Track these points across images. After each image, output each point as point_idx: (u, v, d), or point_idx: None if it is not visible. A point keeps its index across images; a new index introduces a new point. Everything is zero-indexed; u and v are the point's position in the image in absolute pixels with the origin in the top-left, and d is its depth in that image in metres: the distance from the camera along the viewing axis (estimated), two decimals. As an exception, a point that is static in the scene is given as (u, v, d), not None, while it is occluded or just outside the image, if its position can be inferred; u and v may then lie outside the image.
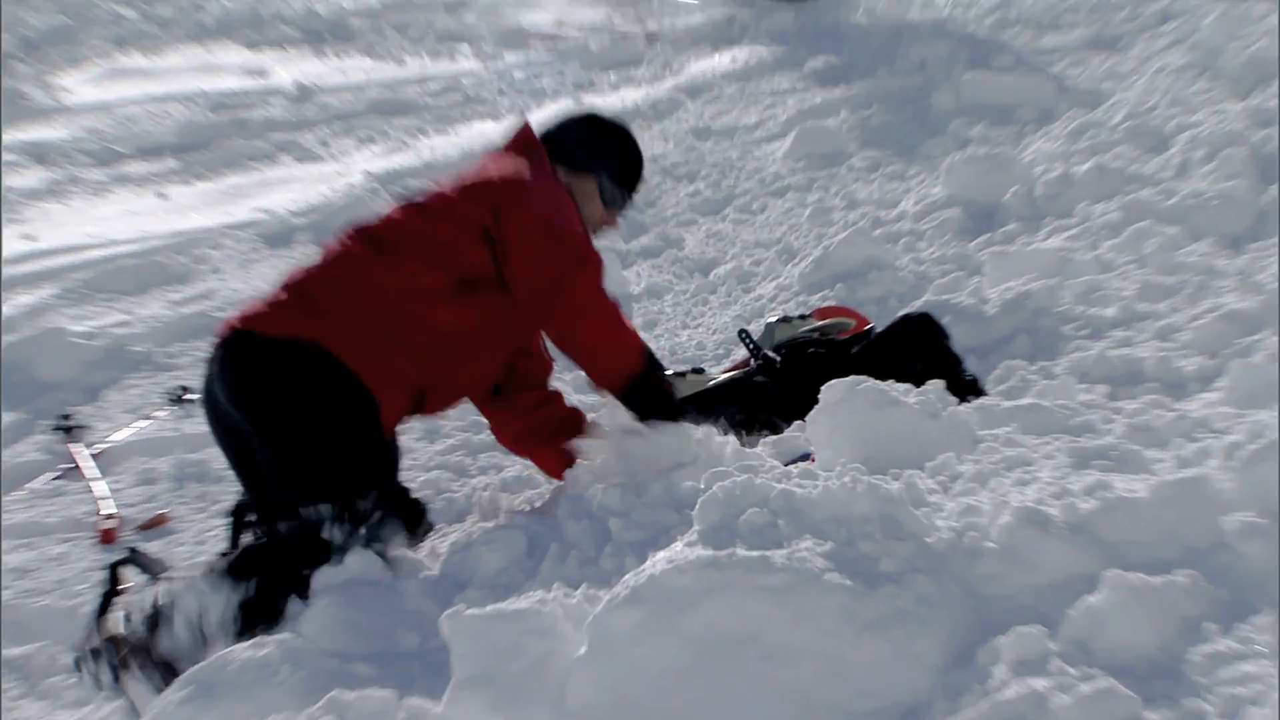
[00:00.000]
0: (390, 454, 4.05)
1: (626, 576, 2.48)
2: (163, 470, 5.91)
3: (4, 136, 13.96)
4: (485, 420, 4.70)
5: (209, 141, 14.29)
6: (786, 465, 3.50)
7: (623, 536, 3.32)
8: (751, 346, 5.15)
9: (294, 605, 3.41)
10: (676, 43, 16.71)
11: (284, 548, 3.66)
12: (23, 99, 16.15)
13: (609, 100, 14.08)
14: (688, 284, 8.04)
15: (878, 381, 3.50)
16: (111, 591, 3.76)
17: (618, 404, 4.24)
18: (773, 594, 2.35)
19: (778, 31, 15.70)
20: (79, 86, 17.33)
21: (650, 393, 4.25)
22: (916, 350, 4.66)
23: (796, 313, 5.78)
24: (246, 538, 3.98)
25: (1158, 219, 5.87)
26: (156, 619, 3.44)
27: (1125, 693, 2.06)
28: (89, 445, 6.26)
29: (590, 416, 4.58)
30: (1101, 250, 5.83)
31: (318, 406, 3.76)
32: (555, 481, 4.50)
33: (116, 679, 3.43)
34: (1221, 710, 2.06)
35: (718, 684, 2.30)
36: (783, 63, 14.25)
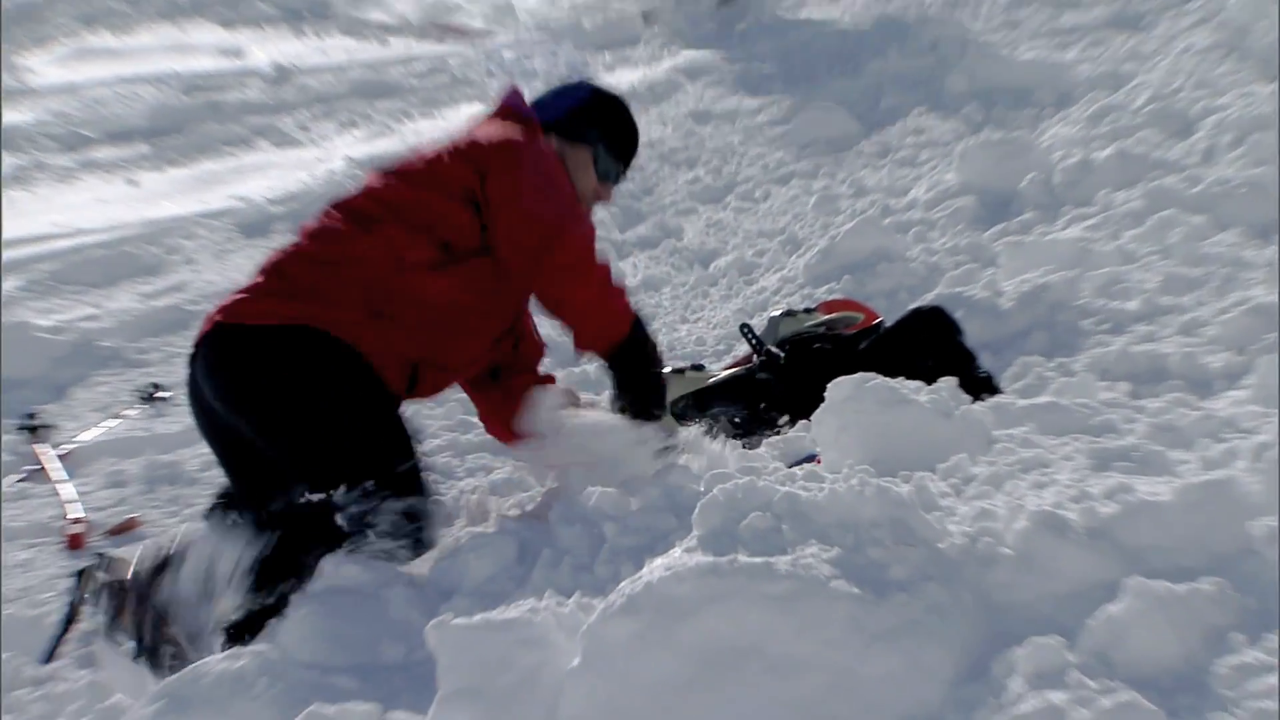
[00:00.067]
0: (407, 426, 4.05)
1: (622, 584, 2.47)
2: (133, 472, 5.90)
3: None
4: (474, 420, 4.71)
5: (182, 125, 14.30)
6: (791, 467, 3.50)
7: (618, 542, 3.31)
8: (754, 342, 5.15)
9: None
10: (675, 23, 16.69)
11: (308, 516, 3.67)
12: (-15, 80, 16.16)
13: (604, 82, 14.06)
14: (687, 276, 8.05)
15: (887, 379, 3.50)
16: (79, 600, 3.76)
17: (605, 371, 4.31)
18: (776, 603, 2.35)
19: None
20: (45, 67, 17.36)
21: (637, 358, 4.29)
22: (928, 346, 4.66)
23: (801, 306, 5.78)
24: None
25: (1182, 207, 5.87)
26: (165, 564, 3.47)
27: (1148, 707, 2.06)
28: (55, 446, 6.24)
29: (585, 398, 4.60)
30: (1123, 240, 5.83)
31: (320, 388, 3.78)
32: (547, 483, 4.50)
33: (114, 621, 3.47)
34: (1249, 725, 2.06)
35: (718, 698, 2.30)
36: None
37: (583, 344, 4.26)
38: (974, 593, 2.49)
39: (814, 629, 2.32)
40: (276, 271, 3.93)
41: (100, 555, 4.00)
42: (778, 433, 4.48)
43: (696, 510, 2.69)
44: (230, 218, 10.76)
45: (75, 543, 5.10)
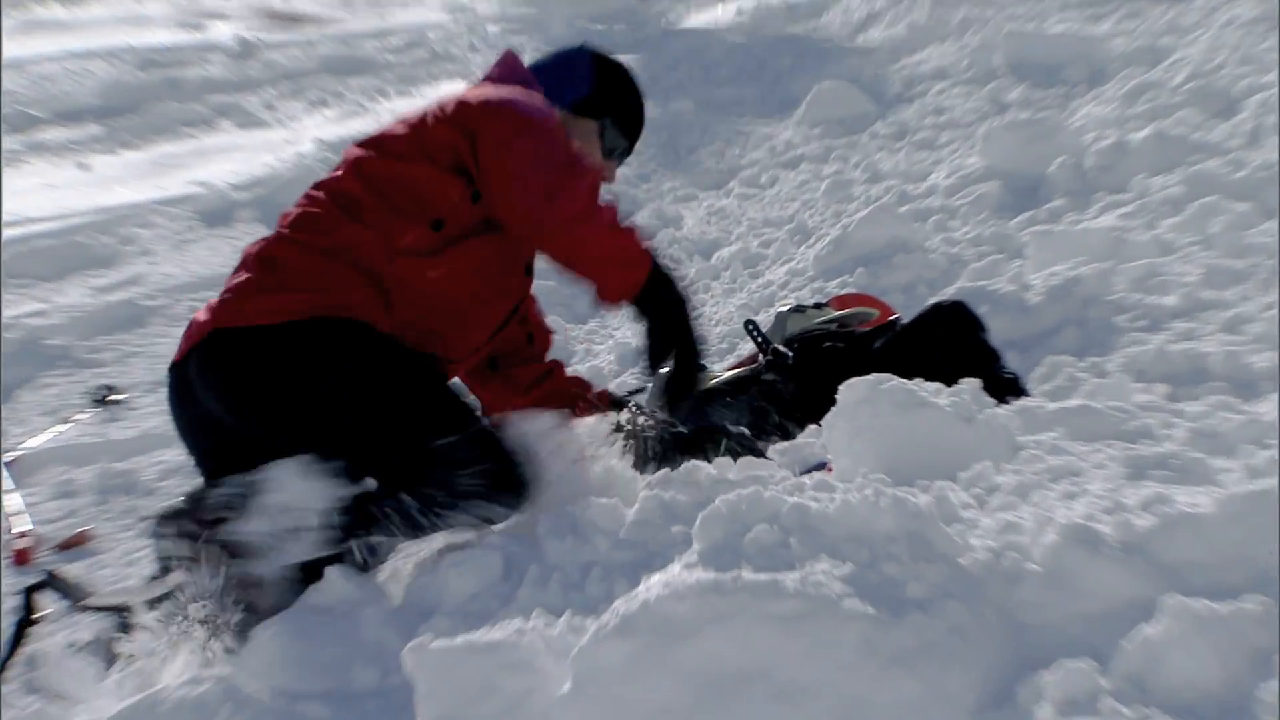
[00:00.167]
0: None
1: (616, 603, 2.47)
2: (84, 481, 5.90)
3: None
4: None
5: (137, 104, 14.31)
6: (800, 475, 3.49)
7: (612, 557, 3.30)
8: (760, 340, 5.14)
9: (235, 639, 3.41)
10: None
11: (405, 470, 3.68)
12: (-77, 56, 16.14)
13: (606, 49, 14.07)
14: (686, 268, 8.05)
15: (904, 380, 3.49)
16: (26, 620, 3.76)
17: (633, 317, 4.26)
18: (783, 623, 2.34)
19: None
20: (-12, 41, 17.33)
21: (664, 298, 4.22)
22: (948, 344, 4.65)
23: (811, 301, 5.77)
24: (181, 560, 3.97)
25: (1225, 194, 5.87)
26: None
27: (1187, 736, 2.06)
28: (-1, 453, 6.25)
29: (596, 388, 4.61)
30: (1161, 230, 5.84)
31: (365, 377, 3.75)
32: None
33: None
34: (1297, 756, 2.06)
35: (720, 726, 2.30)
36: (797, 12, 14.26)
37: (606, 296, 4.20)
38: (998, 612, 2.49)
39: (824, 652, 2.31)
40: (268, 263, 3.89)
41: (49, 572, 4.01)
42: (788, 437, 4.47)
43: (697, 523, 2.68)
44: (190, 205, 10.77)
45: (21, 558, 5.10)
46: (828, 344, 4.93)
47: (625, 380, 6.48)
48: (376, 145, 4.10)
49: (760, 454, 4.23)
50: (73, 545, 5.23)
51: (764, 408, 4.70)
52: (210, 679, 2.99)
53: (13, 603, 4.01)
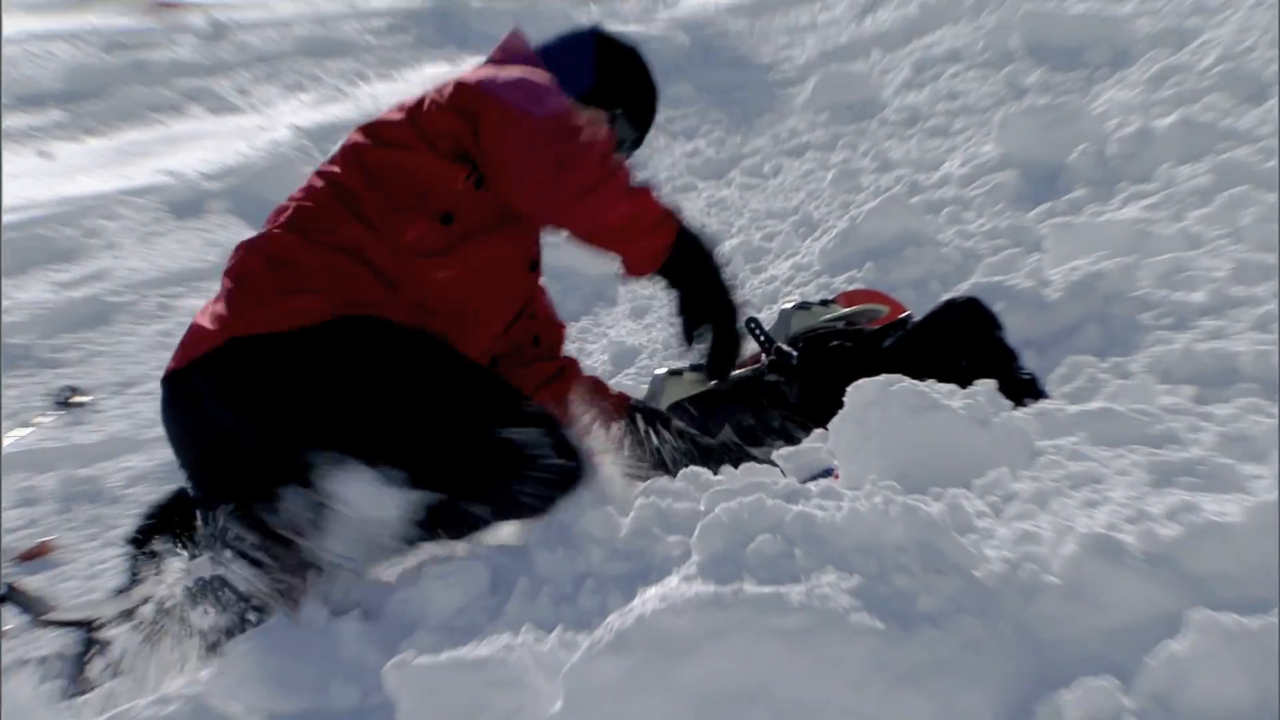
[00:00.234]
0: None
1: (610, 618, 2.47)
2: (47, 488, 5.91)
3: None
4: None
5: (102, 89, 14.30)
6: (804, 482, 3.49)
7: (606, 569, 3.29)
8: (762, 339, 5.14)
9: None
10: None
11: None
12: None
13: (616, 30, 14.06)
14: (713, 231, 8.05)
15: (915, 381, 3.48)
16: (-10, 633, 3.77)
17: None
18: (788, 639, 2.34)
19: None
20: (-58, 22, 17.33)
21: (695, 258, 4.11)
22: (962, 343, 4.66)
23: (817, 298, 5.78)
24: (151, 572, 3.97)
25: (1256, 184, 5.87)
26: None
27: (1215, 758, 2.06)
28: (-44, 458, 6.25)
29: (612, 386, 4.60)
30: (1188, 222, 5.84)
31: (394, 378, 3.71)
32: None
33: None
34: (1332, 780, 2.06)
35: (721, 748, 2.30)
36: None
37: (633, 268, 4.10)
38: (1015, 627, 2.49)
39: (831, 669, 2.31)
40: (278, 263, 3.83)
41: (9, 585, 4.01)
42: (792, 442, 4.47)
43: (696, 533, 2.68)
44: (158, 195, 10.75)
45: (-21, 570, 5.11)
46: (834, 343, 4.94)
47: (620, 380, 6.48)
48: (374, 133, 4.07)
49: (765, 454, 4.24)
50: (34, 556, 5.23)
51: (767, 410, 4.71)
52: (180, 698, 2.98)
53: (-31, 618, 4.02)
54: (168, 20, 17.00)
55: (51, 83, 14.50)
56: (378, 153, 4.01)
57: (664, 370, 4.99)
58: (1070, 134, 7.41)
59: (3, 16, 16.47)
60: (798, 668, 2.31)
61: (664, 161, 10.08)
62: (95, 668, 3.56)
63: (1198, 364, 4.38)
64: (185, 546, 3.95)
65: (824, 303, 5.44)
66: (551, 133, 3.93)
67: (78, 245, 9.73)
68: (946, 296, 5.30)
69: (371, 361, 3.69)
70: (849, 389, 3.51)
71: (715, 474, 3.62)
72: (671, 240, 4.02)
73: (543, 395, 4.58)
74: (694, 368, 5.21)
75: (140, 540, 4.10)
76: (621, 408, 4.61)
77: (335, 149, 4.16)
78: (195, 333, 3.82)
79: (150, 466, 6.08)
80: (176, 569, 3.82)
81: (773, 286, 7.14)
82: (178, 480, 4.15)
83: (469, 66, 4.43)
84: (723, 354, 4.16)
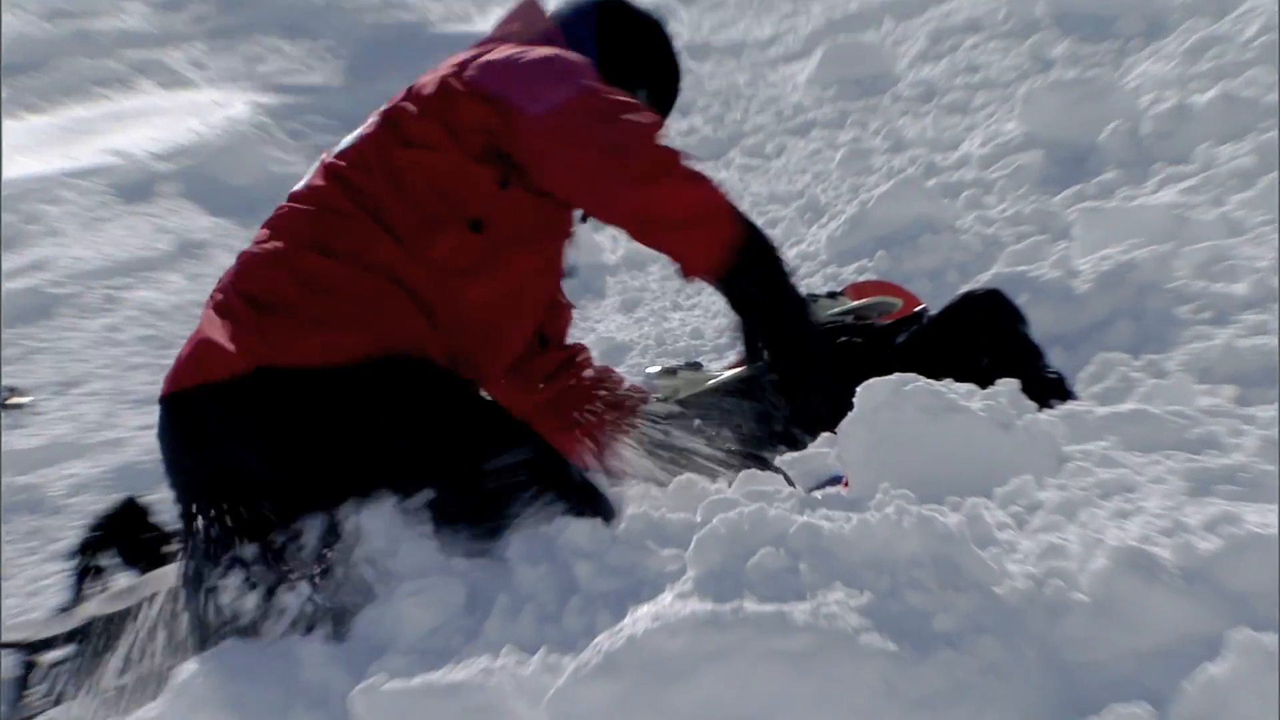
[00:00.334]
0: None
1: (599, 638, 2.47)
2: (-18, 498, 5.90)
3: None
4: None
5: (44, 60, 14.29)
6: (810, 491, 3.49)
7: (594, 585, 3.28)
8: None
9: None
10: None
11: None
12: None
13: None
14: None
15: (931, 381, 3.48)
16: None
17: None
18: (792, 661, 2.34)
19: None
20: None
21: (764, 258, 4.01)
22: (983, 339, 4.66)
23: (824, 290, 5.78)
24: (95, 590, 3.97)
25: (1303, 165, 5.88)
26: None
27: (1257, 791, 2.06)
28: (-116, 464, 6.24)
29: (625, 378, 4.59)
30: (1229, 207, 5.85)
31: (433, 428, 3.69)
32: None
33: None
34: (1383, 814, 2.06)
35: (719, 780, 2.30)
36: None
37: (694, 266, 3.99)
38: (1040, 649, 2.48)
39: (839, 694, 2.31)
40: (309, 284, 3.74)
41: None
42: (796, 447, 4.47)
43: (692, 545, 2.67)
44: (104, 177, 10.77)
45: (-91, 587, 5.10)
46: (843, 339, 4.94)
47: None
48: (396, 128, 3.99)
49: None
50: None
51: (768, 413, 4.71)
52: (130, 727, 2.99)
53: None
54: None
55: (-13, 54, 14.49)
56: (401, 153, 3.93)
57: (657, 368, 4.99)
58: (1100, 111, 7.41)
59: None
60: (803, 693, 2.31)
61: (657, 140, 10.08)
62: (37, 694, 3.56)
63: (1239, 362, 4.38)
64: (138, 562, 3.95)
65: (831, 295, 5.44)
66: (597, 116, 3.89)
67: (16, 232, 9.74)
68: (965, 288, 5.30)
69: (411, 410, 3.68)
70: (859, 389, 3.50)
71: (716, 480, 3.62)
72: (738, 236, 3.94)
73: (550, 388, 4.59)
74: (689, 365, 5.21)
75: (85, 554, 4.10)
76: (633, 404, 4.61)
77: (346, 142, 4.08)
78: (206, 350, 3.74)
79: (95, 474, 6.09)
80: (125, 585, 3.82)
81: (776, 277, 7.12)
82: (125, 489, 4.15)
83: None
84: (796, 374, 4.09)
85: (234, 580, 3.53)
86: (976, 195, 7.26)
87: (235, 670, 3.28)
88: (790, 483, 3.81)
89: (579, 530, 3.41)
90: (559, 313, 4.68)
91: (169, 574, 4.01)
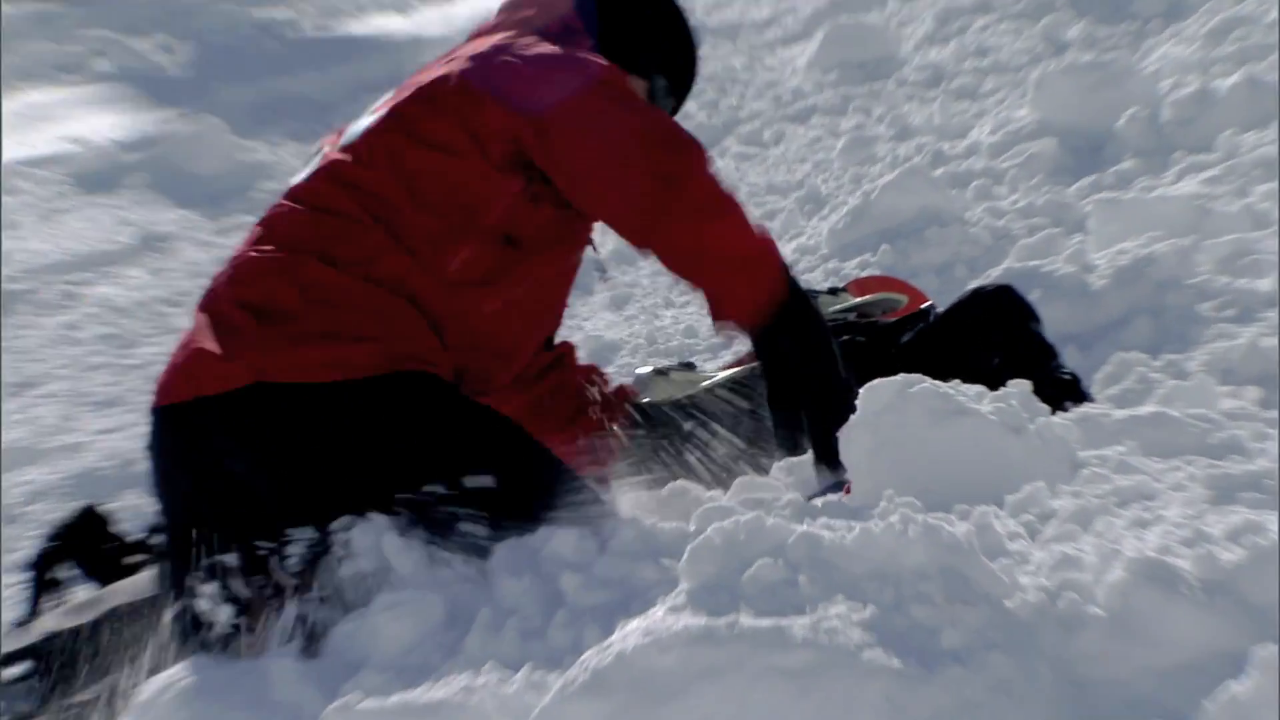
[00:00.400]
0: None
1: (586, 655, 2.47)
2: (-69, 507, 5.90)
3: None
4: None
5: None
6: (810, 499, 3.49)
7: (581, 599, 3.27)
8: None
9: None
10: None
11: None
12: None
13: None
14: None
15: (938, 382, 3.48)
16: None
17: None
18: (791, 679, 2.33)
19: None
20: None
21: (805, 313, 3.99)
22: (993, 338, 4.66)
23: (824, 286, 5.80)
24: (53, 604, 3.97)
25: (1332, 154, 5.89)
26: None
27: (1283, 817, 2.06)
28: None
29: (613, 379, 4.58)
30: (1253, 198, 5.85)
31: (443, 449, 3.67)
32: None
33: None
34: None
35: (713, 805, 2.30)
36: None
37: (730, 309, 3.97)
38: (1053, 666, 2.48)
39: (840, 713, 2.31)
40: (313, 294, 3.68)
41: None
42: (795, 452, 4.47)
43: (685, 556, 2.67)
44: (64, 166, 10.77)
45: None
46: (844, 337, 4.93)
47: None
48: (410, 128, 3.90)
49: (765, 466, 4.23)
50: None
51: (765, 416, 4.71)
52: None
53: None
54: None
55: (-62, 36, 14.49)
56: (417, 155, 3.85)
57: (649, 369, 4.99)
58: (1118, 96, 7.42)
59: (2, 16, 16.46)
60: (802, 713, 2.31)
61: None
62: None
63: (1265, 362, 4.38)
64: (98, 574, 3.95)
65: (833, 291, 5.44)
66: (647, 140, 3.86)
67: (-32, 225, 9.73)
68: (974, 284, 5.31)
69: (420, 428, 3.66)
70: (862, 391, 3.50)
71: (711, 486, 3.62)
72: (784, 292, 3.93)
73: (541, 385, 4.58)
74: (682, 365, 5.21)
75: (42, 566, 4.09)
76: (621, 399, 4.61)
77: (350, 135, 3.99)
78: (201, 361, 3.67)
79: (53, 480, 6.08)
80: (84, 598, 3.82)
81: (774, 272, 7.13)
82: (84, 496, 4.15)
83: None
84: (827, 435, 3.85)
85: (211, 592, 3.54)
86: (986, 186, 7.26)
87: (201, 688, 3.27)
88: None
89: (565, 540, 3.39)
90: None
91: (131, 586, 4.01)
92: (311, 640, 3.37)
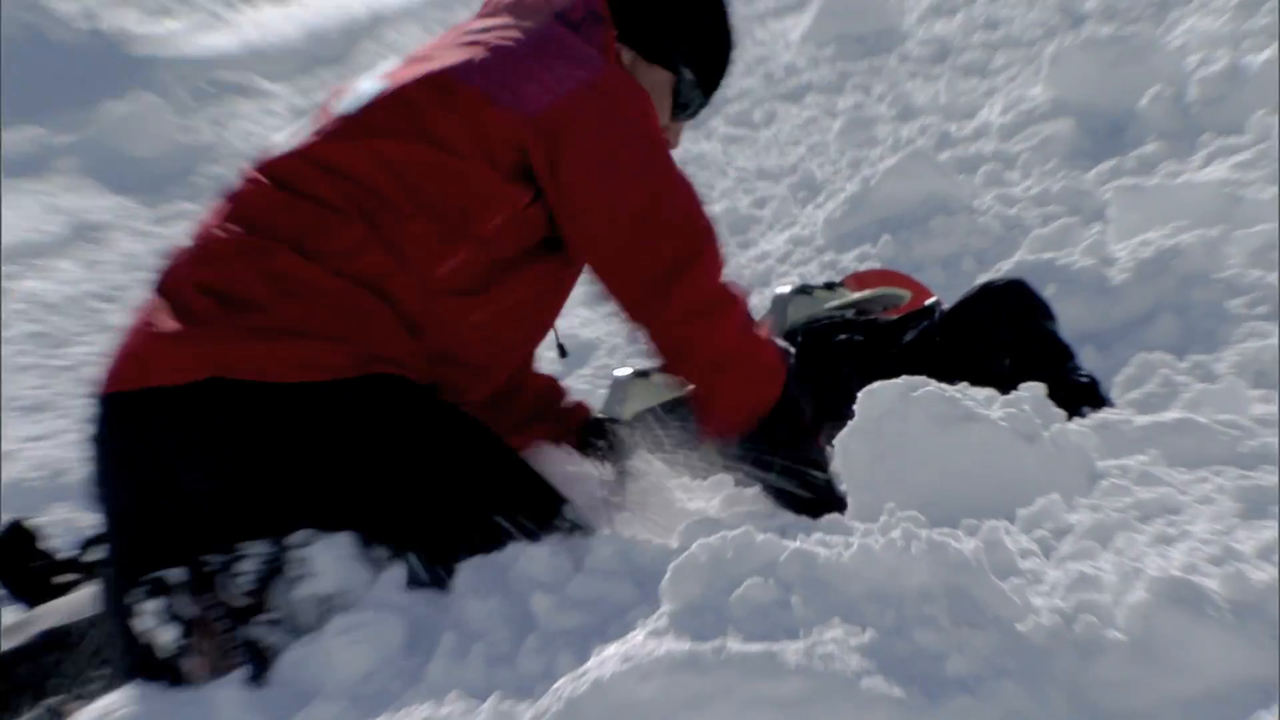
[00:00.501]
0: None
1: (560, 682, 2.47)
2: None
3: None
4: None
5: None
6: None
7: (553, 622, 3.26)
8: (752, 327, 5.15)
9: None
10: None
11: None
12: None
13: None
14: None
15: (943, 385, 3.48)
16: None
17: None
18: (783, 709, 2.33)
19: None
20: None
21: (789, 424, 4.08)
22: (1003, 337, 4.67)
23: (820, 280, 5.80)
24: (11, 617, 3.97)
25: (1372, 137, 5.90)
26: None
27: None
28: None
29: (570, 393, 4.58)
30: (1287, 184, 5.86)
31: (417, 461, 3.65)
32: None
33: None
34: None
35: (698, 846, 2.30)
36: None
37: (718, 418, 4.05)
38: (1069, 695, 2.49)
39: (837, 747, 2.32)
40: (281, 285, 3.61)
41: None
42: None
43: (667, 575, 2.66)
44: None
45: None
46: (842, 336, 4.94)
47: (573, 384, 6.49)
48: (411, 114, 3.82)
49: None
50: None
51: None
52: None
53: None
54: None
55: None
56: (418, 149, 3.78)
57: (628, 371, 4.99)
58: (1140, 73, 7.43)
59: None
60: (796, 745, 2.31)
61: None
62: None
63: (1299, 364, 4.39)
64: (26, 594, 3.95)
65: (829, 286, 5.45)
66: (663, 218, 3.86)
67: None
68: (984, 278, 5.31)
69: (389, 437, 3.63)
70: (860, 395, 3.50)
71: (690, 502, 3.61)
72: (775, 399, 3.99)
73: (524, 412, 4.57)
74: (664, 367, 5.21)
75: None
76: (580, 417, 4.60)
77: (346, 104, 3.88)
78: (154, 346, 3.60)
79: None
80: (12, 621, 3.81)
81: (765, 265, 7.16)
82: (11, 510, 4.15)
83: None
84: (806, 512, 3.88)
85: (153, 611, 3.52)
86: (997, 171, 7.28)
87: (141, 718, 3.28)
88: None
89: (536, 557, 3.37)
90: None
91: (64, 607, 4.01)
92: (261, 666, 3.34)
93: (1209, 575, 2.61)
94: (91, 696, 3.42)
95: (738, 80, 10.12)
